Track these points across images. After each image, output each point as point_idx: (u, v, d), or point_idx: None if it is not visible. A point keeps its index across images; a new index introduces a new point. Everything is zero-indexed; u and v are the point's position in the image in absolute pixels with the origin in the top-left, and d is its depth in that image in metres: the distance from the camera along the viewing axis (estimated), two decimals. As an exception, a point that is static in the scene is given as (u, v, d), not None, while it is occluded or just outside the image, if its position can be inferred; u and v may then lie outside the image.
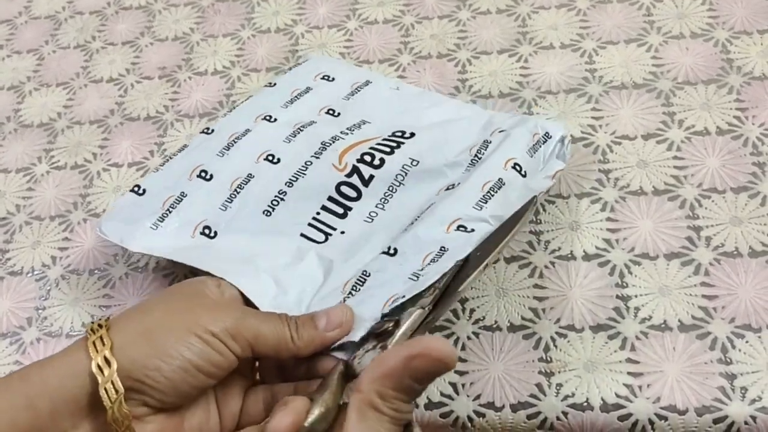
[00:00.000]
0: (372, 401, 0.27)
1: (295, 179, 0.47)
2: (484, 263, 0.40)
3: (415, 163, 0.47)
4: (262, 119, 0.52)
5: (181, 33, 0.67)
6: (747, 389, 0.39)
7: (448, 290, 0.39)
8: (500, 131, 0.48)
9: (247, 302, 0.40)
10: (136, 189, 0.49)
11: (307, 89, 0.54)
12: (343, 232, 0.45)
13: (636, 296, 0.44)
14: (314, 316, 0.38)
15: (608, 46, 0.57)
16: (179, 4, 0.70)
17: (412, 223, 0.44)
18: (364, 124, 0.51)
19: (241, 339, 0.36)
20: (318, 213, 0.46)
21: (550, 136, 0.47)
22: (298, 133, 0.51)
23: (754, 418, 0.39)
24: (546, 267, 0.46)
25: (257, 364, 0.40)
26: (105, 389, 0.33)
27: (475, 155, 0.47)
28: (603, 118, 0.53)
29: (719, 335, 0.42)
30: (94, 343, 0.34)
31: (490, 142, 0.48)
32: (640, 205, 0.48)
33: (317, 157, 0.48)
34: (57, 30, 0.70)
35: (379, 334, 0.37)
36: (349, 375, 0.35)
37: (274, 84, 0.56)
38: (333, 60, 0.60)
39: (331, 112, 0.52)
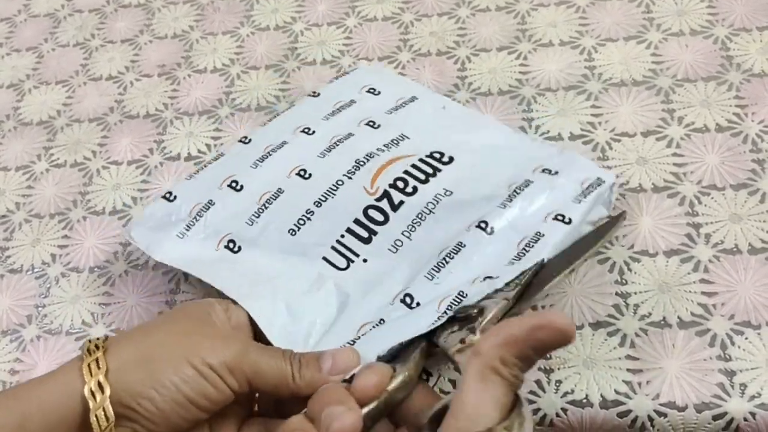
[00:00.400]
0: (494, 365, 0.28)
1: (324, 199, 0.46)
2: (571, 267, 0.39)
3: (448, 193, 0.45)
4: (301, 131, 0.51)
5: (180, 31, 0.67)
6: (746, 386, 0.39)
7: (531, 286, 0.39)
8: (543, 170, 0.46)
9: (255, 325, 0.40)
10: (167, 195, 0.49)
11: (351, 102, 0.53)
12: (365, 260, 0.43)
13: (635, 293, 0.44)
14: (320, 357, 0.37)
15: (608, 44, 0.57)
16: (178, 2, 0.70)
17: (438, 266, 0.42)
18: (403, 139, 0.49)
19: (239, 374, 0.35)
20: (343, 236, 0.44)
21: (603, 181, 0.45)
22: (334, 147, 0.49)
23: (753, 414, 0.39)
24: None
25: (257, 395, 0.39)
26: (96, 416, 0.33)
27: (514, 191, 0.45)
28: (602, 115, 0.53)
29: (718, 332, 0.42)
30: (89, 365, 0.34)
31: (532, 181, 0.45)
32: (639, 202, 0.48)
33: (350, 177, 0.47)
34: (56, 28, 0.70)
35: (462, 319, 0.36)
36: (431, 353, 0.35)
37: (318, 94, 0.55)
38: (381, 71, 0.58)
39: (371, 123, 0.51)
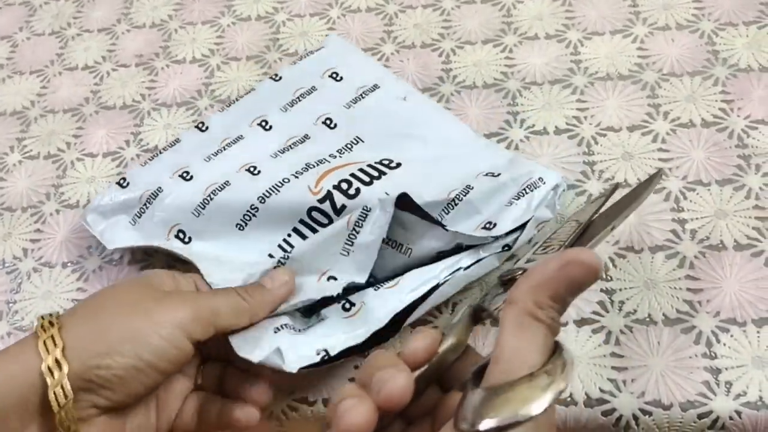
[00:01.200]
0: (531, 310, 0.27)
1: (268, 195, 0.45)
2: (611, 225, 0.39)
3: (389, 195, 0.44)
4: (258, 124, 0.51)
5: (158, 20, 0.66)
6: (732, 384, 0.39)
7: (575, 246, 0.39)
8: (486, 174, 0.46)
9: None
10: (121, 182, 0.49)
11: (312, 89, 0.53)
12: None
13: (620, 290, 0.43)
14: (260, 281, 0.41)
15: (594, 37, 0.56)
16: (157, -9, 0.68)
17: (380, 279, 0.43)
18: (357, 143, 0.49)
19: (202, 321, 0.36)
20: (289, 235, 0.44)
21: (544, 182, 0.45)
22: (288, 149, 0.49)
23: (738, 413, 0.38)
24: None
25: (201, 367, 0.41)
26: (54, 393, 0.32)
27: (453, 200, 0.44)
28: (588, 109, 0.52)
29: (704, 329, 0.41)
30: (45, 342, 0.33)
31: (472, 188, 0.45)
32: (625, 198, 0.47)
33: (296, 177, 0.46)
34: (32, 16, 0.69)
35: (508, 281, 0.36)
36: (477, 317, 0.34)
37: (279, 78, 0.54)
38: (346, 49, 0.57)
39: (328, 122, 0.50)
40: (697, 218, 0.45)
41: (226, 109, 0.53)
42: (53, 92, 0.61)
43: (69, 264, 0.50)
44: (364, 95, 0.52)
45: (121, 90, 0.60)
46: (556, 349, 0.27)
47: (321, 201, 0.43)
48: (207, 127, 0.52)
